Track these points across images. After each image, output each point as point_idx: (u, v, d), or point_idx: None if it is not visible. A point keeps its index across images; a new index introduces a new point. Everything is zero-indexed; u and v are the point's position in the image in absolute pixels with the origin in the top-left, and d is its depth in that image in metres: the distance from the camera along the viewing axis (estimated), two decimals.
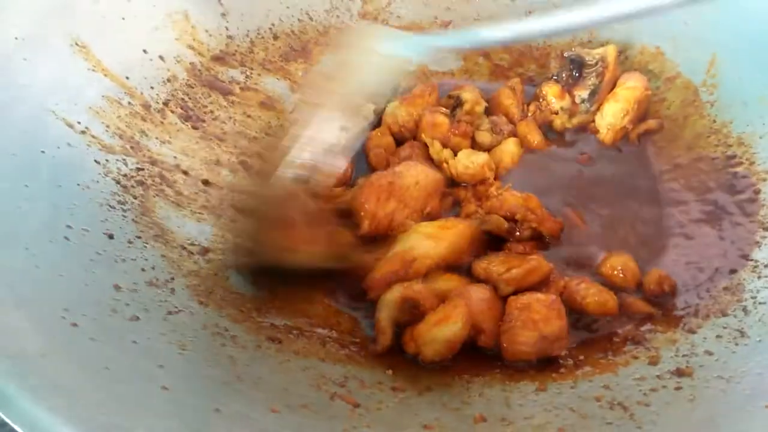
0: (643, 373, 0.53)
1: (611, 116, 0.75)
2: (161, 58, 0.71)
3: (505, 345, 0.55)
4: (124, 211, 0.58)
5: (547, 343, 0.55)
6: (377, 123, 0.74)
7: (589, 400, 0.51)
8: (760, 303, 0.56)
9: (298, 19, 0.82)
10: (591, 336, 0.58)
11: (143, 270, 0.54)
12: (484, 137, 0.73)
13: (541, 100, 0.77)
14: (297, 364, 0.53)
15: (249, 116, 0.74)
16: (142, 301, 0.51)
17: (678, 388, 0.50)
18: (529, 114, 0.77)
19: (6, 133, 0.55)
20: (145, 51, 0.69)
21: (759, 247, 0.62)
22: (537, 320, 0.55)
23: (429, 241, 0.61)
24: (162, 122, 0.68)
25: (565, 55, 0.77)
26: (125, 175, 0.61)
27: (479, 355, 0.56)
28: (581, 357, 0.56)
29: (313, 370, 0.52)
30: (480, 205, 0.67)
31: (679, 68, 0.77)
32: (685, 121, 0.75)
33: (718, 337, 0.55)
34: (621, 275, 0.62)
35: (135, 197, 0.60)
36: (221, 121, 0.72)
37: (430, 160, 0.71)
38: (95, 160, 0.60)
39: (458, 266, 0.62)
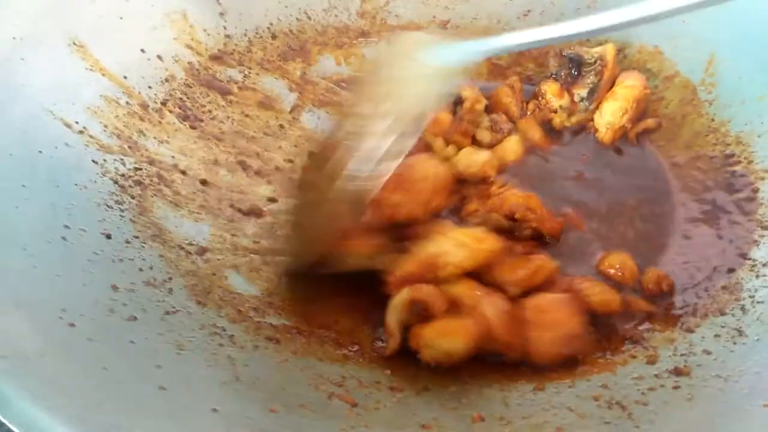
0: (642, 373, 0.53)
1: (610, 115, 0.75)
2: (159, 57, 0.70)
3: (533, 350, 0.55)
4: (122, 210, 0.58)
5: (573, 341, 0.55)
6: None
7: (588, 400, 0.51)
8: (758, 302, 0.56)
9: (297, 19, 0.82)
10: (590, 335, 0.58)
11: (141, 270, 0.54)
12: (484, 135, 0.73)
13: (540, 98, 0.77)
14: (295, 364, 0.53)
15: (247, 116, 0.74)
16: (140, 301, 0.51)
17: (676, 388, 0.50)
18: (528, 112, 0.77)
19: (3, 132, 0.54)
20: (143, 50, 0.69)
21: (757, 246, 0.62)
22: (559, 320, 0.55)
23: (463, 250, 0.58)
24: (160, 122, 0.68)
25: (564, 53, 0.77)
26: (123, 175, 0.61)
27: (477, 355, 0.56)
28: (579, 356, 0.56)
29: (311, 369, 0.52)
30: (482, 203, 0.67)
31: (677, 67, 0.77)
32: (684, 120, 0.75)
33: (716, 336, 0.55)
34: (619, 273, 0.62)
35: (133, 197, 0.60)
36: (219, 120, 0.72)
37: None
38: (93, 160, 0.60)
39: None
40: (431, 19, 0.85)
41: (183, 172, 0.66)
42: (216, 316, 0.54)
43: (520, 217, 0.64)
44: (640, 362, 0.54)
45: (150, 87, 0.69)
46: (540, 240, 0.65)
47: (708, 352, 0.53)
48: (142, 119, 0.66)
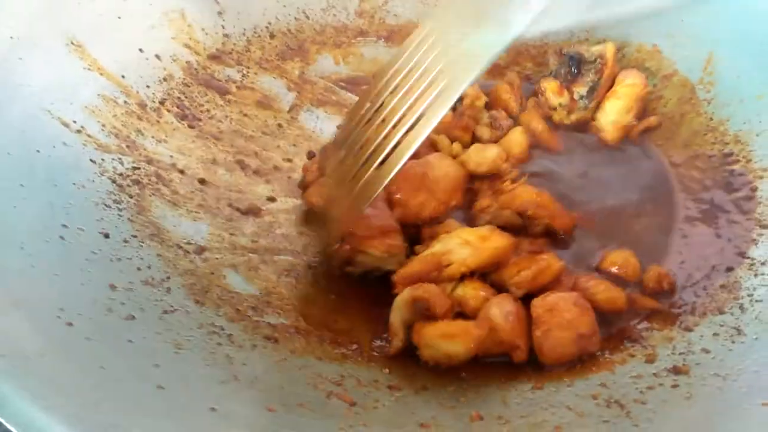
0: (640, 371, 0.53)
1: (615, 113, 0.74)
2: (157, 56, 0.70)
3: (543, 350, 0.54)
4: (120, 210, 0.58)
5: (584, 341, 0.55)
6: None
7: (586, 398, 0.51)
8: (756, 300, 0.56)
9: (295, 18, 0.82)
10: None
11: (139, 269, 0.54)
12: (484, 132, 0.73)
13: (540, 95, 0.77)
14: (293, 363, 0.53)
15: (245, 115, 0.74)
16: (138, 300, 0.51)
17: (675, 386, 0.50)
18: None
19: (1, 132, 0.54)
20: (141, 50, 0.69)
21: (756, 244, 0.62)
22: (570, 319, 0.55)
23: (467, 249, 0.58)
24: (158, 121, 0.67)
25: (564, 52, 0.77)
26: (121, 174, 0.61)
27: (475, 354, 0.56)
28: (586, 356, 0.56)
29: (309, 368, 0.52)
30: (494, 199, 0.67)
31: (675, 66, 0.77)
32: (682, 118, 0.75)
33: (714, 335, 0.55)
34: (622, 271, 0.62)
35: (131, 196, 0.60)
36: (217, 120, 0.72)
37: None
38: (91, 159, 0.60)
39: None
40: None
41: (181, 172, 0.66)
42: (214, 315, 0.54)
43: (532, 214, 0.63)
44: (638, 361, 0.54)
45: (148, 86, 0.69)
46: (553, 237, 0.64)
47: (707, 351, 0.53)
48: (140, 118, 0.66)
